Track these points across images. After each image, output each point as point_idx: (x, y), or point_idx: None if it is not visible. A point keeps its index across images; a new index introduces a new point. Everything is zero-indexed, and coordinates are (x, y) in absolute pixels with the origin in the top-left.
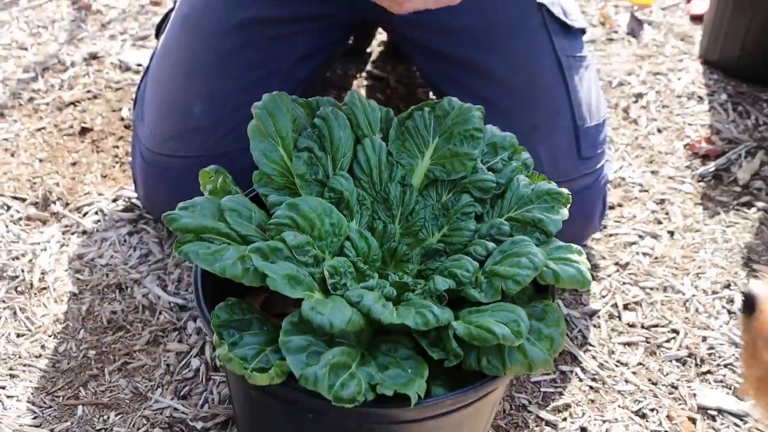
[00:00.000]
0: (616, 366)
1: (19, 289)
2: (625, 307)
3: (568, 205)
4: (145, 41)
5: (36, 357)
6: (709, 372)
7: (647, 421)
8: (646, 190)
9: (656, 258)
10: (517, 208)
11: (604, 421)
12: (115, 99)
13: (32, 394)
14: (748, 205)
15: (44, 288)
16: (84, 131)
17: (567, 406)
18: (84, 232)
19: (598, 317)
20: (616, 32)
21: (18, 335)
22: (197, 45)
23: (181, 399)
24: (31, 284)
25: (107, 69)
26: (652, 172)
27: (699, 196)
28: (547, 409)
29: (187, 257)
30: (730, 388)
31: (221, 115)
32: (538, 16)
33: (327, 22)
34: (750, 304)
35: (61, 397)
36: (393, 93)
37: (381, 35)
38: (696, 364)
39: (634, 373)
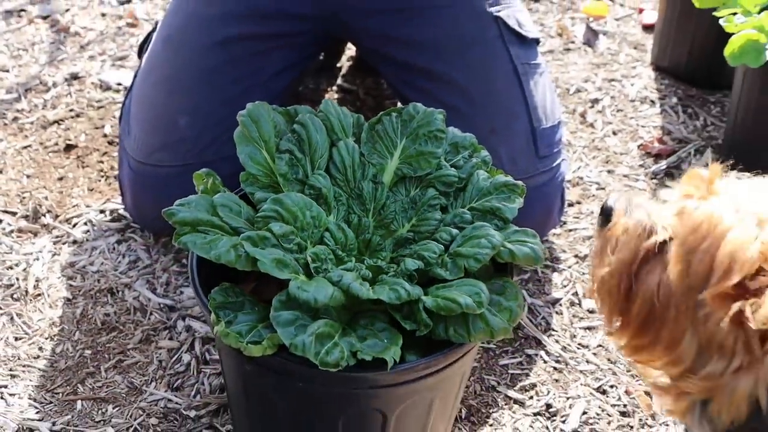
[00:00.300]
0: (578, 348)
1: (14, 296)
2: (585, 295)
3: (523, 196)
4: (123, 61)
5: (34, 358)
6: None
7: (607, 396)
8: (603, 188)
9: None
10: (477, 199)
11: (567, 398)
12: (97, 117)
13: (33, 391)
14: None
15: (39, 294)
16: (69, 148)
17: (533, 386)
18: (74, 242)
19: (560, 305)
20: (573, 42)
21: (16, 338)
22: (180, 62)
23: (174, 391)
24: (26, 291)
25: (88, 88)
26: (608, 172)
27: (652, 192)
28: (514, 389)
29: (186, 246)
30: None
31: (204, 127)
32: (494, 27)
33: (301, 38)
34: (606, 215)
35: (60, 394)
36: (362, 104)
37: (350, 50)
38: None
39: (594, 354)
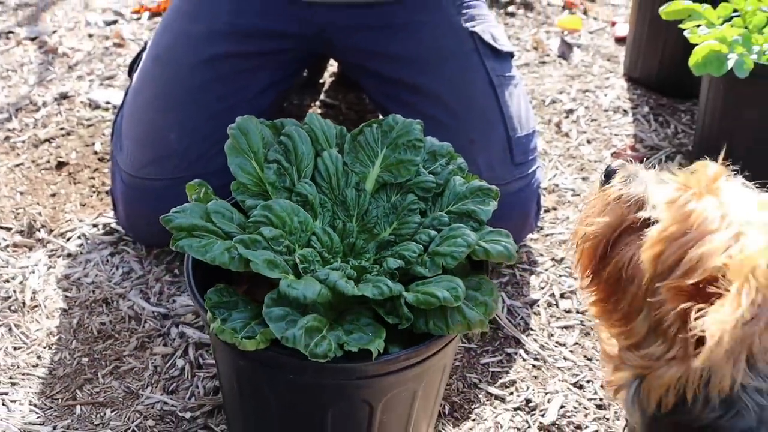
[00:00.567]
0: (556, 346)
1: (12, 308)
2: (562, 296)
3: (497, 199)
4: (111, 81)
5: (33, 366)
6: None
7: (584, 391)
8: (578, 195)
9: None
10: (454, 203)
11: (546, 393)
12: (87, 135)
13: (33, 397)
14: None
15: (36, 306)
16: (60, 165)
17: (513, 382)
18: (69, 255)
19: (538, 306)
20: (548, 55)
21: (15, 348)
22: (168, 80)
23: (170, 394)
24: (24, 303)
25: (78, 107)
26: (583, 179)
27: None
28: (495, 385)
29: (183, 249)
30: None
31: (192, 142)
32: (470, 42)
33: (286, 56)
34: (609, 176)
35: (60, 399)
36: (345, 118)
37: (332, 66)
38: None
39: (571, 351)
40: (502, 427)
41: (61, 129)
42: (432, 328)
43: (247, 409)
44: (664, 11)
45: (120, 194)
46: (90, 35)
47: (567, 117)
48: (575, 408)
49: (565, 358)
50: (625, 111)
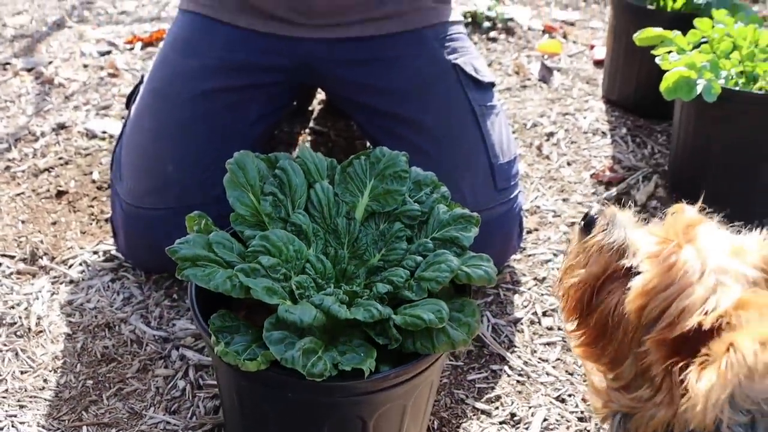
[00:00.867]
0: (539, 362)
1: (18, 333)
2: (544, 314)
3: (478, 226)
4: (107, 110)
5: (40, 389)
6: None
7: (566, 404)
8: (559, 215)
9: None
10: (438, 230)
11: (530, 407)
12: (85, 164)
13: (41, 419)
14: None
15: (41, 331)
16: (60, 194)
17: (498, 398)
18: (71, 282)
19: (522, 324)
20: (529, 79)
21: (22, 372)
22: (165, 113)
23: (172, 414)
24: (29, 329)
25: (75, 137)
26: (564, 200)
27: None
28: (481, 401)
29: (188, 278)
30: None
31: (189, 173)
32: (453, 74)
33: (276, 89)
34: (590, 225)
35: (66, 421)
36: (334, 145)
37: (321, 94)
38: None
39: (553, 367)
40: None
41: (60, 158)
42: (419, 347)
43: (247, 425)
44: (638, 38)
45: (120, 222)
46: (85, 65)
47: (548, 140)
48: (558, 421)
49: (547, 374)
50: (603, 133)
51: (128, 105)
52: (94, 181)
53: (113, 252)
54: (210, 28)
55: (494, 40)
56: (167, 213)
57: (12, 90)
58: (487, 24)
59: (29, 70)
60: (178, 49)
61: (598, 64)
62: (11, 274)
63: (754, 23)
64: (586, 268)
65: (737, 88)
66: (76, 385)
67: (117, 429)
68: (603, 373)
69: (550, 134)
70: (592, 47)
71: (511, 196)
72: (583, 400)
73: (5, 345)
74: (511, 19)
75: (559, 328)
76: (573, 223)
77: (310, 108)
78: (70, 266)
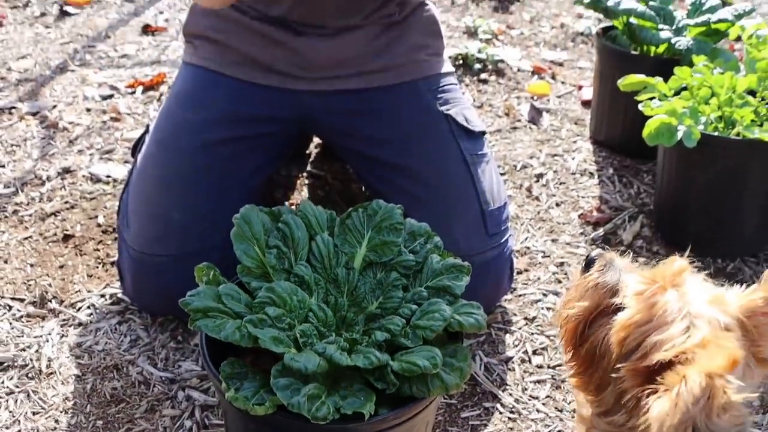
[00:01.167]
0: (529, 400)
1: (29, 375)
2: (534, 352)
3: (469, 274)
4: (110, 155)
5: (52, 430)
6: None
7: None
8: (548, 256)
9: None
10: (432, 278)
11: None
12: (90, 208)
13: None
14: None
15: (51, 373)
16: (66, 238)
17: None
18: (80, 324)
19: (513, 362)
20: (519, 121)
21: (34, 413)
22: (170, 164)
23: None
24: (40, 371)
25: (80, 181)
26: (553, 240)
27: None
28: None
29: (200, 329)
30: None
31: (193, 221)
32: (445, 124)
33: (276, 138)
34: (588, 265)
35: None
36: (331, 188)
37: (317, 138)
38: None
39: (543, 404)
40: None
41: (66, 202)
42: (415, 391)
43: None
44: (622, 84)
45: (127, 267)
46: (88, 109)
47: (537, 181)
48: None
49: (538, 411)
50: (591, 173)
51: (134, 153)
52: (99, 225)
53: (120, 295)
54: (212, 81)
55: (485, 81)
56: (172, 259)
57: (18, 134)
58: (477, 66)
59: (34, 114)
60: (182, 102)
61: (585, 104)
62: (21, 317)
63: (732, 69)
64: (581, 303)
65: (716, 134)
66: (87, 426)
67: None
68: (590, 403)
69: (540, 175)
70: (580, 87)
71: (502, 241)
72: None
73: (17, 387)
74: (502, 61)
75: (549, 366)
76: (562, 264)
77: (307, 152)
78: (79, 309)
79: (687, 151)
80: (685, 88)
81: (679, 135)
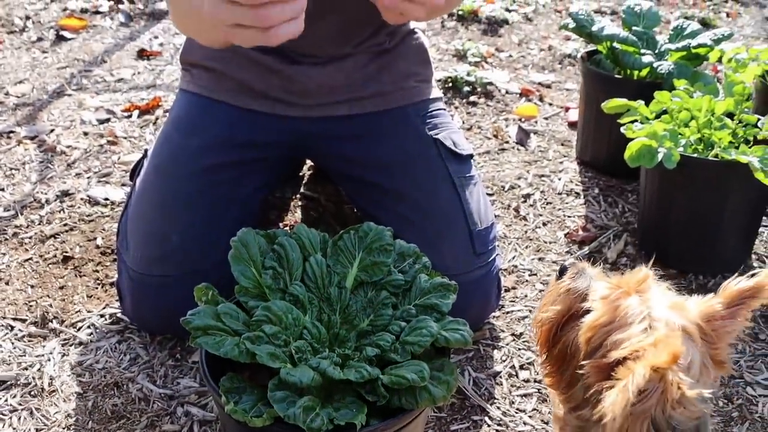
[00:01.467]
0: (516, 413)
1: (32, 393)
2: (521, 367)
3: (456, 293)
4: (108, 178)
5: None
6: None
7: None
8: (535, 274)
9: None
10: (420, 297)
11: None
12: (89, 230)
13: None
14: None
15: (53, 391)
16: (66, 259)
17: None
18: (80, 343)
19: (500, 377)
20: (507, 142)
21: (37, 430)
22: (168, 188)
23: None
24: (42, 389)
25: (78, 204)
26: (539, 259)
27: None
28: None
29: (200, 346)
30: None
31: (191, 242)
32: (434, 148)
33: (270, 162)
34: (561, 273)
35: None
36: (324, 210)
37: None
38: None
39: (530, 416)
40: None
41: (65, 225)
42: (404, 403)
43: None
44: (606, 107)
45: (127, 288)
46: (85, 133)
47: (524, 201)
48: None
49: (525, 423)
50: (577, 193)
51: (132, 177)
52: (98, 247)
53: (119, 315)
54: (209, 107)
55: (474, 104)
56: (171, 280)
57: (16, 158)
58: (467, 88)
59: (32, 138)
60: (180, 129)
61: (572, 125)
62: (23, 336)
63: (711, 93)
64: (554, 307)
65: (695, 155)
66: None
67: None
68: (562, 401)
69: (527, 196)
70: (567, 109)
71: (489, 260)
72: None
73: (20, 404)
74: (490, 83)
75: (535, 380)
76: (548, 282)
77: (301, 174)
78: (79, 329)
79: (668, 172)
80: (665, 112)
81: (659, 157)
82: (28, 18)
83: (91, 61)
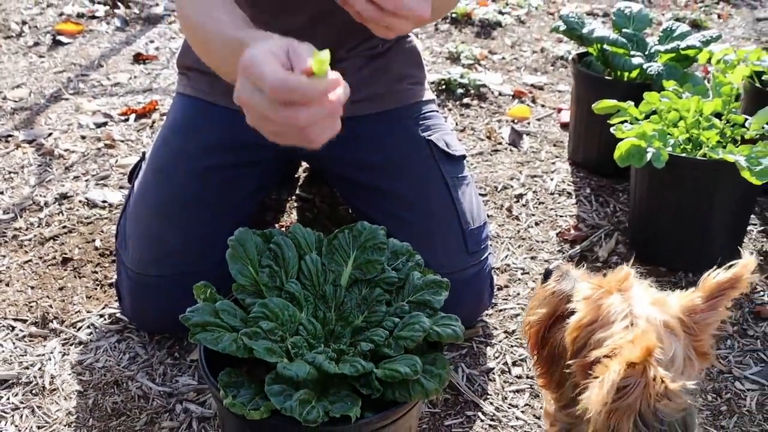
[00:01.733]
0: (509, 408)
1: (33, 392)
2: (514, 363)
3: (448, 290)
4: (106, 180)
5: None
6: None
7: None
8: (527, 273)
9: None
10: (413, 294)
11: None
12: (87, 232)
13: None
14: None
15: (54, 389)
16: (65, 261)
17: None
18: (80, 343)
19: (493, 373)
20: (500, 144)
21: (39, 428)
22: (167, 190)
23: None
24: (43, 387)
25: (77, 207)
26: (532, 258)
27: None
28: None
29: (199, 342)
30: None
31: (189, 243)
32: (427, 149)
33: (266, 165)
34: (546, 276)
35: None
36: (319, 211)
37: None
38: None
39: (522, 412)
40: None
41: (64, 227)
42: (397, 396)
43: None
44: (596, 108)
45: (126, 288)
46: (83, 137)
47: (517, 201)
48: None
49: (517, 418)
50: (569, 193)
51: (130, 180)
52: (96, 248)
53: (118, 315)
54: (206, 111)
55: (467, 106)
56: (170, 280)
57: (15, 162)
58: (460, 90)
59: (30, 142)
60: (177, 131)
61: (564, 126)
62: (24, 336)
63: (700, 93)
64: (540, 310)
65: (683, 155)
66: None
67: None
68: (553, 399)
69: (520, 196)
70: (559, 110)
71: (482, 258)
72: None
73: (22, 403)
74: (484, 85)
75: (528, 377)
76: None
77: (296, 176)
78: (79, 329)
79: (657, 172)
80: (654, 112)
81: (649, 156)
82: (24, 23)
83: (88, 65)
